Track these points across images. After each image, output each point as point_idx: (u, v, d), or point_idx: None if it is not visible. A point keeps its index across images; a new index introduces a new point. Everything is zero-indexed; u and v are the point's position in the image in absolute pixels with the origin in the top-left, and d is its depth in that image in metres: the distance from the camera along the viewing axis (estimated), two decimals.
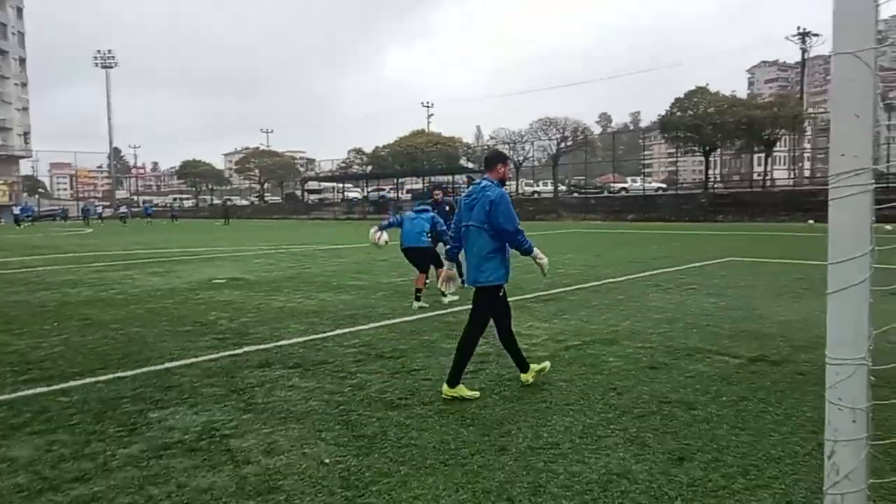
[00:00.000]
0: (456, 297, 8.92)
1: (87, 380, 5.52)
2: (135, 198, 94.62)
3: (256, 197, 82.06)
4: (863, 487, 2.18)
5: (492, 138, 58.53)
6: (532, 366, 5.16)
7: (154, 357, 6.28)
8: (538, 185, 55.85)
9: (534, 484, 3.37)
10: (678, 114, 43.76)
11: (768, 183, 44.81)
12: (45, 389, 5.26)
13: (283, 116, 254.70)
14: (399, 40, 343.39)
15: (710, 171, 48.69)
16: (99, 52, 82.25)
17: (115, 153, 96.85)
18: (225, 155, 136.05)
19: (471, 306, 5.05)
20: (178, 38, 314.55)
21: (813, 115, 48.94)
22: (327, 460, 3.72)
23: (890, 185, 30.68)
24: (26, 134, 77.42)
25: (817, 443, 3.70)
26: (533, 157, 54.76)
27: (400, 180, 63.62)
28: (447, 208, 10.86)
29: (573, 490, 3.29)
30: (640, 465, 3.57)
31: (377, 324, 7.79)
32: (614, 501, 3.16)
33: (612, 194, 50.14)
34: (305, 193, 72.03)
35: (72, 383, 5.42)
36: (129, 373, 5.72)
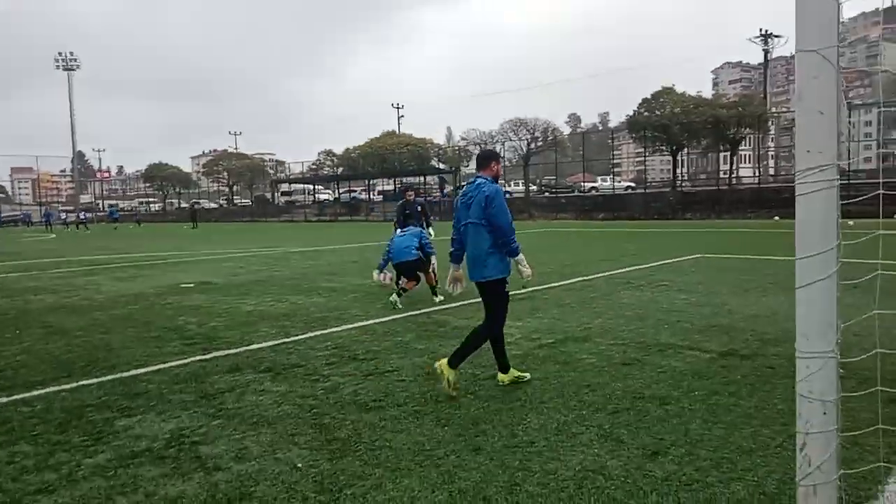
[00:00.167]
0: (442, 298, 8.93)
1: (51, 388, 5.36)
2: (99, 202, 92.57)
3: (225, 200, 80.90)
4: (834, 478, 2.21)
5: (463, 139, 58.63)
6: (513, 370, 5.16)
7: (120, 364, 6.13)
8: (510, 186, 56.10)
9: (509, 483, 3.35)
10: (646, 114, 44.33)
11: (734, 181, 45.64)
12: (5, 399, 5.09)
13: (251, 119, 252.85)
14: (369, 42, 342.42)
15: (678, 170, 49.42)
16: (60, 54, 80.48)
17: (79, 157, 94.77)
18: (192, 158, 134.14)
19: (482, 300, 5.11)
20: (144, 42, 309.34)
21: (776, 115, 50.08)
22: (300, 465, 3.66)
23: (851, 181, 31.52)
24: None
25: (788, 435, 3.76)
26: (504, 157, 55.00)
27: (371, 181, 63.38)
28: (419, 209, 10.86)
29: (549, 487, 3.28)
30: (614, 461, 3.58)
31: (350, 326, 7.72)
32: (590, 498, 3.17)
33: (582, 193, 50.64)
34: (276, 196, 71.30)
35: (34, 392, 5.26)
36: (95, 380, 5.57)
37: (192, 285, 12.07)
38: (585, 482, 3.33)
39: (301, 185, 68.72)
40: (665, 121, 42.48)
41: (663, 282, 10.60)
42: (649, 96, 44.89)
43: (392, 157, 59.98)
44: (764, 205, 34.50)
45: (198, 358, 6.28)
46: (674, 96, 44.29)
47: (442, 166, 57.64)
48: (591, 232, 27.57)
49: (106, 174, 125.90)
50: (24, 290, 11.96)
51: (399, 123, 78.44)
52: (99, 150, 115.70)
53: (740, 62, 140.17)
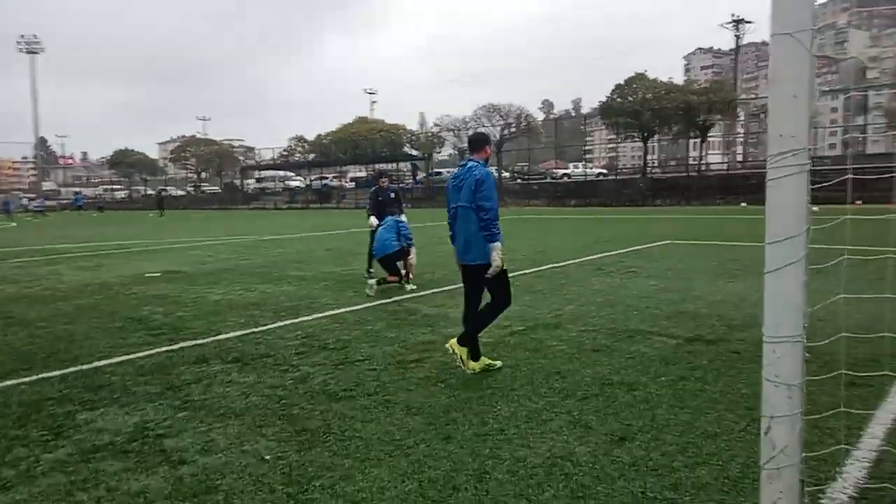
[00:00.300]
0: (414, 287, 8.92)
1: (10, 381, 5.20)
2: (62, 190, 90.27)
3: (193, 187, 79.42)
4: (797, 461, 2.23)
5: (436, 125, 58.34)
6: (484, 358, 5.14)
7: (83, 355, 5.98)
8: None
9: (479, 471, 3.34)
10: (618, 100, 44.59)
11: (704, 167, 46.27)
12: None
13: (220, 105, 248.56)
14: (341, 27, 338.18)
15: (649, 157, 49.89)
16: (23, 36, 78.04)
17: (42, 143, 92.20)
18: (160, 144, 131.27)
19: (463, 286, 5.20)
20: (109, 26, 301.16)
21: (745, 101, 50.73)
22: (268, 457, 3.60)
23: (816, 167, 32.09)
24: None
25: (752, 419, 3.81)
26: None
27: (343, 168, 62.75)
28: (392, 195, 10.72)
29: (518, 475, 3.28)
30: (583, 447, 3.59)
31: (320, 314, 7.64)
32: (558, 484, 3.17)
33: (554, 180, 50.85)
34: (245, 182, 70.19)
35: None
36: (56, 373, 5.42)
37: (158, 274, 11.83)
38: (554, 469, 3.34)
39: (272, 172, 67.78)
40: (637, 107, 42.79)
41: (633, 268, 10.70)
42: (622, 82, 45.14)
43: (365, 143, 59.44)
44: (732, 191, 35.07)
45: (164, 349, 6.15)
46: (646, 82, 44.61)
47: (415, 153, 57.32)
48: (562, 219, 27.73)
49: (69, 160, 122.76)
50: None
51: (371, 109, 77.89)
52: (62, 137, 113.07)
53: (712, 48, 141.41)
